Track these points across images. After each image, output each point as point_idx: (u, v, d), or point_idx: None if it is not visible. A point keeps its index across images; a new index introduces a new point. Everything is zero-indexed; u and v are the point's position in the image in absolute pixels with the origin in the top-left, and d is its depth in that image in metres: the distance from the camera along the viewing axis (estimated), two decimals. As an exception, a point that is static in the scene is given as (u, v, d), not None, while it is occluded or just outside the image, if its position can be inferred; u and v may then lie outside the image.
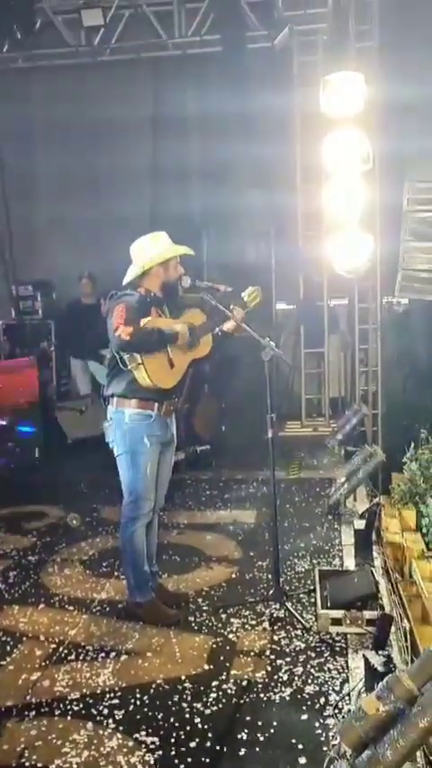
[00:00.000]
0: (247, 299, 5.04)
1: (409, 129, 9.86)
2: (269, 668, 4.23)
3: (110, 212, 10.47)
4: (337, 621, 4.55)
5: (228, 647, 4.51)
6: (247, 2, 10.07)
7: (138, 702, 3.94)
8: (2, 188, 11.27)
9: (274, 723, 3.71)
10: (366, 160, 9.41)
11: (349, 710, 3.74)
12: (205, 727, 3.71)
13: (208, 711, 3.84)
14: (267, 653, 4.41)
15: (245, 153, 10.23)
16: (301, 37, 10.12)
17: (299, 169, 10.12)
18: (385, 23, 9.88)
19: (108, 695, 4.03)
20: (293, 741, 3.56)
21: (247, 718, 3.76)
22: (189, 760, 3.45)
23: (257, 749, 3.52)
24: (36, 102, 10.94)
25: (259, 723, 3.71)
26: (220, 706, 3.89)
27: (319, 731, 3.63)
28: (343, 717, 3.69)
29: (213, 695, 3.98)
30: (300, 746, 3.51)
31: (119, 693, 4.04)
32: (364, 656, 3.91)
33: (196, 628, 4.78)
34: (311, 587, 5.16)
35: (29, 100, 10.95)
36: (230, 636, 4.65)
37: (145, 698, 3.99)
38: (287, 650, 4.43)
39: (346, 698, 3.89)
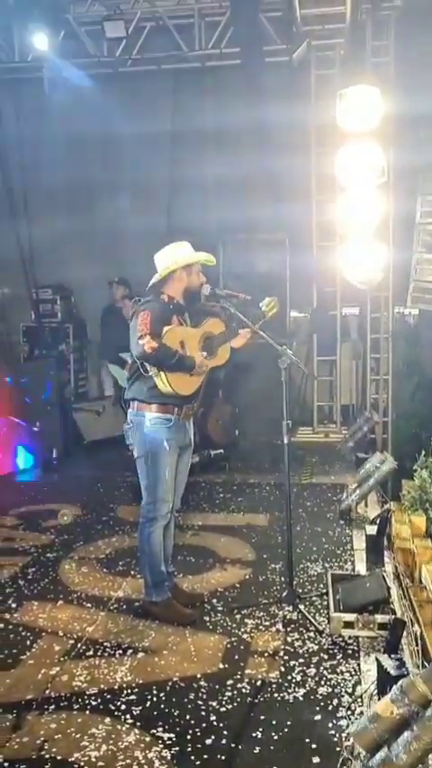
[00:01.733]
0: (264, 308, 5.08)
1: (424, 143, 9.87)
2: (283, 669, 4.25)
3: (127, 221, 10.53)
4: (349, 625, 4.56)
5: (242, 647, 4.52)
6: (267, 16, 10.09)
7: (155, 699, 3.97)
8: (23, 195, 11.32)
9: (288, 722, 3.72)
10: (381, 173, 9.42)
11: (362, 712, 3.75)
12: (221, 724, 3.72)
13: (223, 709, 3.86)
14: (281, 654, 4.42)
15: (261, 164, 10.27)
16: (319, 51, 10.16)
17: (314, 181, 10.15)
18: (401, 39, 9.90)
19: (125, 691, 4.05)
20: (307, 740, 3.57)
21: (262, 717, 3.77)
22: (205, 756, 3.47)
23: (272, 747, 3.53)
24: (58, 111, 10.97)
25: (273, 722, 3.73)
26: (235, 704, 3.90)
27: (332, 732, 3.64)
28: (356, 718, 3.71)
29: (228, 694, 4.00)
30: (313, 746, 3.52)
31: (136, 690, 4.06)
32: (376, 659, 3.91)
33: (211, 627, 4.80)
34: (324, 590, 5.18)
35: (51, 109, 10.98)
36: (244, 636, 4.67)
37: (161, 695, 4.01)
38: (300, 652, 4.44)
39: (359, 700, 3.90)
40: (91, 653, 4.49)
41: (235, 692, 4.01)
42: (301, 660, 4.34)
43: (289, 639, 4.60)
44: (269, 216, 10.25)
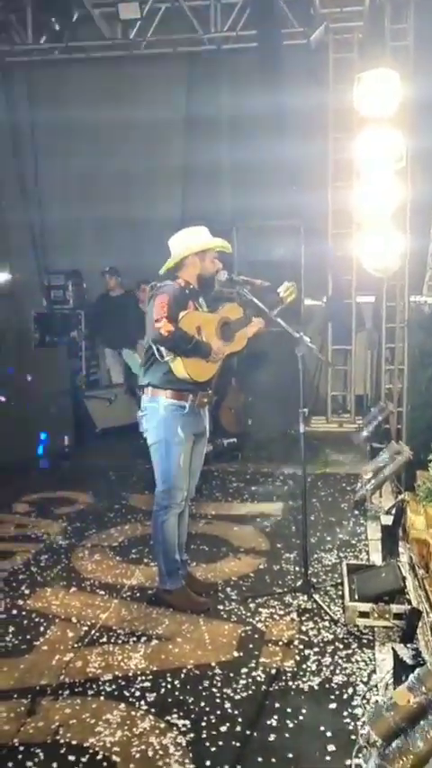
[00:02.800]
0: (283, 294, 5.05)
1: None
2: (297, 658, 4.28)
3: (141, 208, 10.55)
4: (364, 614, 4.59)
5: (256, 636, 4.56)
6: (285, -2, 10.09)
7: (169, 686, 4.01)
8: (35, 181, 11.36)
9: (303, 711, 3.76)
10: (399, 159, 9.39)
11: (377, 701, 3.78)
12: (235, 712, 3.76)
13: (238, 697, 3.90)
14: (296, 643, 4.46)
15: (277, 149, 10.22)
16: (337, 35, 10.11)
17: (330, 166, 10.13)
18: (420, 22, 9.85)
19: (140, 678, 4.09)
20: (322, 729, 3.60)
21: (277, 705, 3.81)
22: (220, 743, 3.51)
23: (287, 735, 3.57)
24: (71, 95, 10.99)
25: (288, 710, 3.77)
26: (250, 692, 3.94)
27: (347, 720, 3.67)
28: (371, 707, 3.74)
29: (243, 682, 4.04)
30: (328, 734, 3.56)
31: (150, 677, 4.11)
32: (392, 648, 3.95)
33: (225, 616, 4.84)
34: (338, 580, 5.21)
35: (65, 92, 11.01)
36: (259, 625, 4.70)
37: (176, 682, 4.05)
38: (315, 641, 4.48)
39: (374, 689, 3.93)
40: (104, 640, 4.53)
41: (250, 680, 4.05)
42: (316, 649, 4.37)
43: (304, 629, 4.63)
44: (284, 202, 10.21)
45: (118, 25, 10.41)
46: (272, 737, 3.56)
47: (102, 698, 3.91)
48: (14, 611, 4.94)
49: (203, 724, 3.66)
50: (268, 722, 3.67)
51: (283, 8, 10.09)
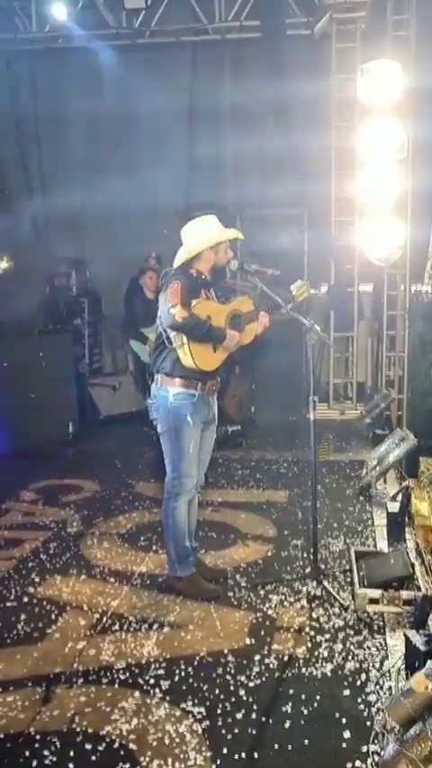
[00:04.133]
0: (295, 292, 5.00)
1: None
2: (309, 644, 4.25)
3: (145, 197, 10.44)
4: (374, 600, 4.57)
5: (268, 623, 4.53)
6: (288, -12, 10.01)
7: (183, 674, 3.97)
8: (39, 167, 11.27)
9: (317, 697, 3.73)
10: (401, 148, 9.35)
11: (390, 687, 3.76)
12: (250, 699, 3.73)
13: (252, 684, 3.86)
14: (307, 629, 4.42)
15: (280, 139, 10.17)
16: (340, 25, 10.01)
17: (333, 156, 10.03)
18: (422, 13, 9.77)
19: (153, 665, 4.06)
20: (337, 715, 3.57)
21: (291, 692, 3.78)
22: (236, 731, 3.48)
23: (302, 722, 3.54)
24: (74, 83, 10.88)
25: (303, 697, 3.73)
26: (264, 679, 3.91)
27: (362, 706, 3.64)
28: (384, 693, 3.71)
29: (256, 669, 4.00)
30: (343, 720, 3.53)
31: (164, 664, 4.07)
32: (404, 635, 3.93)
33: (236, 603, 4.81)
34: (347, 567, 5.18)
35: (68, 81, 10.90)
36: (270, 612, 4.67)
37: (189, 669, 4.02)
38: (326, 627, 4.44)
39: (387, 675, 3.90)
40: (117, 627, 4.49)
41: (263, 667, 4.01)
42: (328, 636, 4.34)
43: (314, 615, 4.60)
44: (287, 191, 10.14)
45: (122, 14, 10.33)
46: (287, 724, 3.52)
47: (116, 686, 3.87)
48: (25, 599, 4.90)
49: (219, 711, 3.63)
50: (283, 709, 3.64)
51: (287, -3, 10.01)
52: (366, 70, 9.21)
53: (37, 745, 3.40)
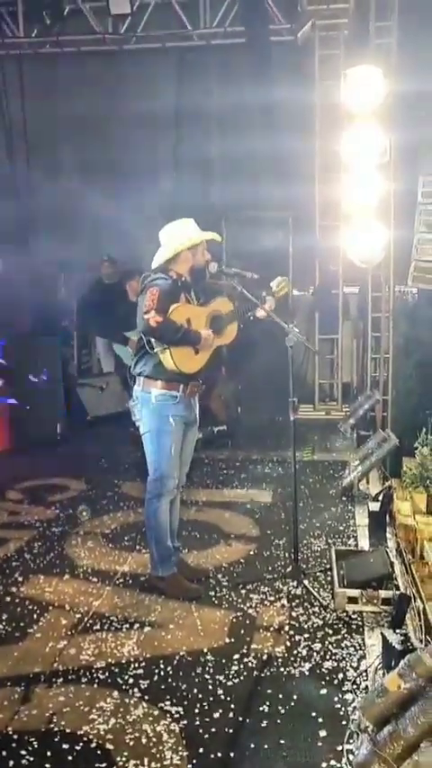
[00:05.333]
0: (275, 288, 4.99)
1: (426, 124, 9.75)
2: (288, 643, 4.22)
3: (132, 199, 10.40)
4: (353, 600, 4.56)
5: (248, 622, 4.49)
6: (272, -6, 10.00)
7: (162, 673, 3.94)
8: (26, 169, 11.21)
9: (295, 696, 3.70)
10: (383, 152, 9.34)
11: (367, 686, 3.73)
12: (228, 698, 3.70)
13: (230, 684, 3.83)
14: (286, 628, 4.39)
15: (265, 144, 10.15)
16: (323, 32, 9.98)
17: (317, 160, 10.02)
18: (404, 20, 9.78)
19: (133, 665, 4.02)
20: (314, 714, 3.55)
21: (269, 691, 3.75)
22: (213, 730, 3.45)
23: (278, 721, 3.51)
24: (62, 88, 10.85)
25: (280, 696, 3.70)
26: (242, 679, 3.87)
27: (338, 705, 3.61)
28: (361, 692, 3.69)
29: (235, 668, 3.97)
30: (320, 720, 3.50)
31: (143, 664, 4.03)
32: (381, 634, 3.89)
33: (217, 602, 4.77)
34: (327, 566, 5.15)
35: (55, 86, 10.87)
36: (250, 611, 4.64)
37: (168, 669, 3.98)
38: (305, 626, 4.42)
39: (364, 674, 3.88)
40: (98, 627, 4.45)
41: (241, 667, 3.98)
42: (307, 635, 4.31)
43: (294, 614, 4.57)
44: (273, 195, 10.13)
45: (108, 20, 10.32)
46: (264, 723, 3.49)
47: (95, 685, 3.83)
48: (8, 599, 4.85)
49: (196, 711, 3.60)
50: (260, 708, 3.61)
51: (270, 5, 10.01)
52: (349, 76, 9.18)
53: (14, 745, 3.35)
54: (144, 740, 3.37)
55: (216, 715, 3.56)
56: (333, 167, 9.71)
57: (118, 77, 10.58)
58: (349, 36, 9.93)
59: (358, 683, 3.80)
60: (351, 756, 3.20)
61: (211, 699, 3.69)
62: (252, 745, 3.34)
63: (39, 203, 10.94)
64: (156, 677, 3.90)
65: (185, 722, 3.51)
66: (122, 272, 9.60)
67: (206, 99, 10.64)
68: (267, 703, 3.64)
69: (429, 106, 9.54)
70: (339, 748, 3.28)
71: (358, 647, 4.16)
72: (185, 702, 3.66)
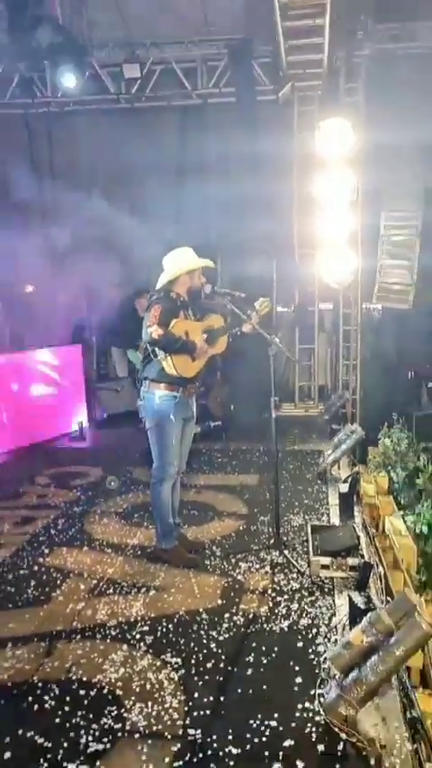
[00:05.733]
0: (258, 307, 4.94)
1: (387, 168, 9.73)
2: (271, 604, 4.18)
3: (141, 232, 10.36)
4: (325, 567, 4.51)
5: (237, 586, 4.45)
6: (258, 62, 10.00)
7: (164, 630, 3.90)
8: (53, 206, 11.16)
9: (275, 649, 3.67)
10: (352, 192, 9.35)
11: (336, 640, 3.69)
12: (219, 651, 3.66)
13: (221, 638, 3.79)
14: (269, 591, 4.35)
15: (253, 185, 10.10)
16: (301, 92, 9.94)
17: (296, 199, 9.98)
18: (369, 82, 9.80)
19: (139, 623, 3.98)
20: (291, 663, 3.52)
21: (253, 645, 3.71)
22: (206, 677, 3.42)
23: (261, 670, 3.48)
24: (83, 139, 10.82)
25: (263, 648, 3.67)
26: (231, 634, 3.84)
27: (312, 656, 3.58)
28: (332, 645, 3.65)
29: (225, 625, 3.93)
30: (296, 668, 3.47)
31: (148, 622, 4.00)
32: (348, 595, 3.86)
33: (211, 570, 4.73)
34: (304, 538, 5.11)
35: (77, 137, 10.83)
36: (239, 577, 4.60)
37: (170, 626, 3.94)
38: (285, 590, 4.37)
39: (334, 629, 3.84)
40: (111, 591, 4.42)
41: (231, 624, 3.94)
42: (286, 597, 4.27)
43: (276, 579, 4.53)
44: (259, 228, 10.09)
45: (122, 83, 10.31)
46: (249, 672, 3.46)
47: (108, 641, 3.80)
48: (35, 568, 4.81)
49: (193, 661, 3.57)
50: (246, 659, 3.57)
51: (257, 70, 10.01)
52: (323, 128, 9.22)
53: (39, 692, 3.33)
54: (148, 686, 3.34)
55: (209, 665, 3.52)
56: (309, 205, 9.70)
57: (130, 130, 10.54)
58: (323, 95, 9.89)
59: (329, 637, 3.76)
60: (322, 699, 3.17)
61: (205, 651, 3.66)
62: (239, 690, 3.31)
63: (63, 235, 10.90)
64: (159, 633, 3.86)
65: (183, 671, 3.47)
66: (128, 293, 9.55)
67: (204, 148, 10.61)
68: (252, 655, 3.60)
69: (390, 154, 9.55)
70: (312, 692, 3.25)
71: (329, 607, 4.12)
72: (183, 654, 3.63)
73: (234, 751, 2.90)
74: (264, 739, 2.97)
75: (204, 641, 3.76)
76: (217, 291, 4.88)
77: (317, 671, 3.43)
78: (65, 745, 2.95)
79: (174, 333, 4.53)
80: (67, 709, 3.19)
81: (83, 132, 10.76)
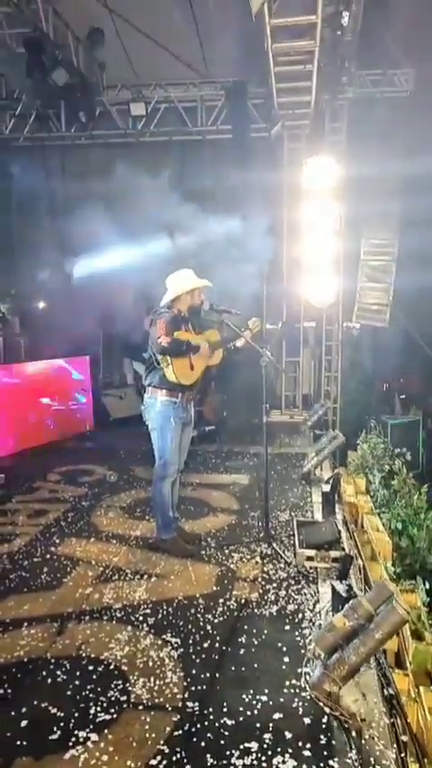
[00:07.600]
0: (251, 326, 4.99)
1: (366, 199, 9.83)
2: (260, 591, 4.19)
3: (144, 255, 10.38)
4: (310, 558, 4.52)
5: (230, 575, 4.46)
6: (252, 102, 10.13)
7: (165, 612, 3.91)
8: (68, 233, 11.17)
9: (265, 631, 3.68)
10: (335, 221, 9.43)
11: (320, 624, 3.71)
12: (214, 632, 3.67)
13: (216, 621, 3.80)
14: (259, 580, 4.36)
15: (246, 214, 10.18)
16: (290, 130, 10.08)
17: (285, 227, 10.05)
18: (351, 122, 9.92)
19: (142, 606, 3.99)
20: (279, 644, 3.53)
21: (245, 627, 3.73)
22: (203, 656, 3.43)
23: (252, 650, 3.49)
24: (93, 170, 10.85)
25: (254, 631, 3.68)
26: (225, 617, 3.85)
27: (298, 638, 3.60)
28: (316, 628, 3.67)
29: (220, 609, 3.95)
30: (284, 649, 3.49)
31: (150, 605, 4.00)
32: (331, 584, 3.89)
33: (206, 559, 4.74)
34: (291, 532, 5.12)
35: (88, 168, 10.87)
36: (232, 566, 4.61)
37: (170, 609, 3.95)
38: (274, 578, 4.39)
39: (318, 614, 3.86)
40: (116, 577, 4.42)
41: (225, 608, 3.96)
42: (275, 584, 4.28)
43: (265, 569, 4.54)
44: (252, 252, 10.15)
45: (129, 119, 10.40)
46: (242, 652, 3.47)
47: (114, 622, 3.80)
48: (48, 556, 4.81)
49: (191, 641, 3.57)
50: (239, 640, 3.58)
51: (251, 109, 10.11)
52: (309, 163, 9.32)
53: (52, 667, 3.33)
54: (150, 663, 3.35)
55: (205, 645, 3.54)
56: (297, 232, 9.77)
57: (136, 162, 10.59)
58: (310, 133, 10.01)
59: (313, 621, 3.78)
60: (308, 677, 3.19)
61: (202, 632, 3.67)
62: (233, 668, 3.32)
63: (74, 259, 10.92)
64: (160, 615, 3.87)
65: (182, 650, 3.48)
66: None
67: (203, 180, 10.68)
68: (244, 636, 3.62)
69: (370, 187, 9.65)
70: (299, 671, 3.27)
71: (314, 595, 4.14)
72: (182, 635, 3.64)
73: (228, 722, 2.91)
74: (255, 712, 2.98)
75: (201, 623, 3.77)
76: (215, 308, 4.90)
77: (303, 651, 3.45)
78: (76, 715, 2.97)
79: (180, 338, 4.57)
80: (77, 683, 3.20)
81: (92, 163, 10.80)
